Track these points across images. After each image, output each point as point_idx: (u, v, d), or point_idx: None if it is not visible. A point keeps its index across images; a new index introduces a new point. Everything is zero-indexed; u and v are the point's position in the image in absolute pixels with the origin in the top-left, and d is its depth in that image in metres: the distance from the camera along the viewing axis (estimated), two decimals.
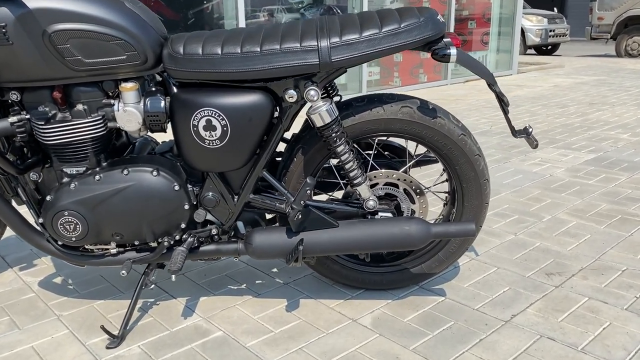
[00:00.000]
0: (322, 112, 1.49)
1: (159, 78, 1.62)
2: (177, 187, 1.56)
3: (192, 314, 1.75)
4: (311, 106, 1.51)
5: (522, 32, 11.95)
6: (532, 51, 13.09)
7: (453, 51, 1.47)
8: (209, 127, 1.50)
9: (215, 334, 1.63)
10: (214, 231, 1.66)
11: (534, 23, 12.22)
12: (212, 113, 1.49)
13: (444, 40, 1.51)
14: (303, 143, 1.64)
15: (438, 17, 1.50)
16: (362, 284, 1.83)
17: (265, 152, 1.57)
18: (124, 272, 1.59)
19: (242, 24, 5.26)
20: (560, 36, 12.49)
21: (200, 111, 1.49)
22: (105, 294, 1.88)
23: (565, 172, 3.22)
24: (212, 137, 1.51)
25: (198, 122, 1.50)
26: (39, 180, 1.61)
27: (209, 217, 1.65)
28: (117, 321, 1.72)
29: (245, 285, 1.93)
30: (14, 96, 1.50)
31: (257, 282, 1.95)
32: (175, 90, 1.54)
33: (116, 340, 1.59)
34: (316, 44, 1.44)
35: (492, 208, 2.63)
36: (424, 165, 1.87)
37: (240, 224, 1.72)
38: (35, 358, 1.54)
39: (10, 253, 2.23)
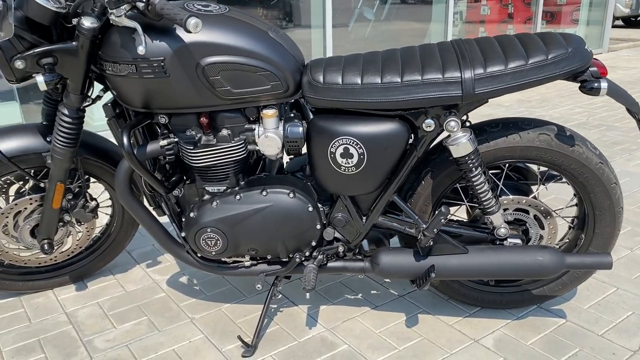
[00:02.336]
0: (462, 143, 1.49)
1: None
2: (310, 209, 1.62)
3: (316, 324, 1.83)
4: (449, 135, 1.51)
5: None
6: (619, 22, 12.26)
7: (604, 84, 1.42)
8: (346, 154, 1.54)
9: (341, 348, 1.71)
10: (341, 248, 1.72)
11: None
12: (350, 142, 1.52)
13: (590, 69, 1.46)
14: (432, 167, 1.64)
15: (586, 47, 1.45)
16: (480, 302, 1.85)
17: (397, 178, 1.60)
18: (259, 286, 1.68)
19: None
20: None
21: (339, 139, 1.53)
22: (230, 297, 2.00)
23: None
24: (349, 164, 1.55)
25: (336, 149, 1.54)
26: (180, 196, 1.71)
27: (336, 234, 1.71)
28: (245, 327, 1.83)
29: (360, 295, 1.99)
30: (163, 119, 1.59)
31: (372, 292, 2.01)
32: (312, 116, 1.58)
33: (250, 349, 1.69)
34: (459, 75, 1.43)
35: None
36: (549, 182, 1.84)
37: (364, 242, 1.76)
38: None
39: (135, 248, 2.39)
